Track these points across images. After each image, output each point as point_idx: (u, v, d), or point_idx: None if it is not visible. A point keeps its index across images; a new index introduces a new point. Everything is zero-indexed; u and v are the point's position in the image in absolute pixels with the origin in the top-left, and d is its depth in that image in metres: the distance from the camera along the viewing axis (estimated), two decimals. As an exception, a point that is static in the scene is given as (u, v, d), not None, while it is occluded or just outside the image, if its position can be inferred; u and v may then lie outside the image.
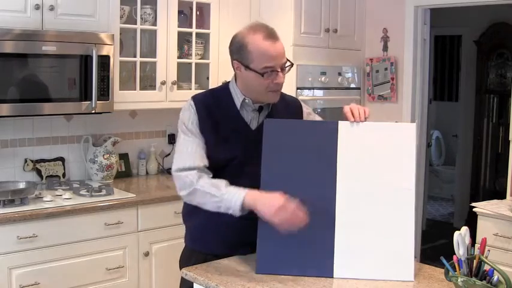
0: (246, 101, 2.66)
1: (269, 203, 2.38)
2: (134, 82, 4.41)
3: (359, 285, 2.37)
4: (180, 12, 4.64)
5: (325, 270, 2.45)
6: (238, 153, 2.62)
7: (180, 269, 2.69)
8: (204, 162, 2.59)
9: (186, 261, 2.75)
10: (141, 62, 4.45)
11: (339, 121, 2.58)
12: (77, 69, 3.96)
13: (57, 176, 4.38)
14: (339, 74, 5.26)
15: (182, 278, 2.59)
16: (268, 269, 2.46)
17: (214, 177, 2.58)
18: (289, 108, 2.82)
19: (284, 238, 2.46)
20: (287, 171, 2.54)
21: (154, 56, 4.49)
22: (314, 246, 2.48)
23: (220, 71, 4.80)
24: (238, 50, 2.59)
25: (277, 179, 2.53)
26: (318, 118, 2.97)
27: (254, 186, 2.48)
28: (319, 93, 5.13)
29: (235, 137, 2.63)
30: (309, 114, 2.92)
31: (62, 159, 4.42)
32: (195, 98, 2.70)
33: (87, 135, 4.49)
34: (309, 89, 5.02)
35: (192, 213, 2.72)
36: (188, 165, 2.57)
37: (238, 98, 2.67)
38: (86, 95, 4.00)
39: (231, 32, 4.75)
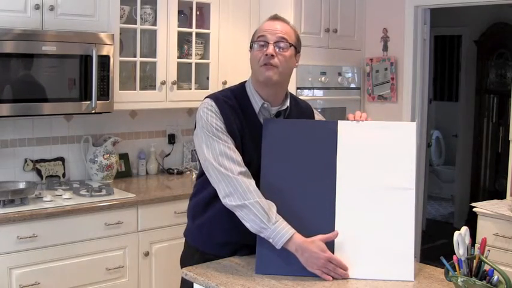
0: (265, 105, 2.63)
1: (311, 260, 2.39)
2: (134, 82, 4.41)
3: (359, 285, 2.37)
4: (180, 12, 4.64)
5: (325, 270, 2.45)
6: (255, 158, 2.59)
7: (182, 267, 2.69)
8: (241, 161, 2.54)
9: (187, 259, 2.75)
10: (141, 62, 4.45)
11: (339, 121, 2.58)
12: (76, 69, 3.96)
13: (57, 176, 4.38)
14: (339, 74, 5.27)
15: (182, 278, 2.59)
16: (268, 269, 2.46)
17: None
18: (303, 114, 2.81)
19: (284, 238, 2.48)
20: (287, 171, 2.54)
21: (154, 56, 4.49)
22: (314, 246, 2.48)
23: (220, 71, 4.80)
24: (253, 35, 2.68)
25: (277, 179, 2.54)
26: None
27: None
28: (319, 93, 5.13)
29: (251, 142, 2.60)
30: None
31: (62, 159, 4.42)
32: (216, 99, 2.61)
33: (87, 135, 4.49)
34: (309, 89, 5.03)
35: (201, 212, 2.71)
36: (242, 170, 2.51)
37: (256, 102, 2.64)
38: (85, 95, 4.00)
39: (231, 32, 4.83)
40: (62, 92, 3.94)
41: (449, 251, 2.29)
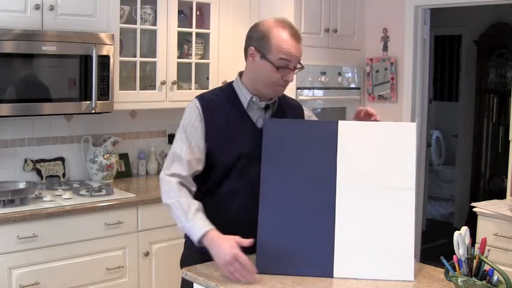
0: (254, 99, 2.68)
1: (218, 255, 2.39)
2: (134, 82, 4.41)
3: (359, 285, 2.37)
4: (180, 12, 4.64)
5: (325, 270, 2.45)
6: (247, 151, 2.63)
7: (181, 268, 2.70)
8: (193, 169, 2.61)
9: (187, 260, 2.75)
10: (141, 62, 4.45)
11: (339, 121, 2.58)
12: (76, 69, 3.96)
13: (57, 176, 4.38)
14: (339, 74, 5.27)
15: (183, 278, 2.59)
16: (268, 269, 2.46)
17: (223, 176, 2.64)
18: (293, 110, 2.86)
19: (284, 238, 2.48)
20: (287, 171, 2.55)
21: (154, 56, 4.49)
22: (314, 246, 2.47)
23: (220, 70, 4.79)
24: (259, 38, 2.63)
25: (277, 179, 2.54)
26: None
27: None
28: (319, 93, 5.13)
29: (242, 136, 2.64)
30: (310, 117, 2.94)
31: (61, 159, 4.42)
32: (200, 98, 2.70)
33: (87, 135, 4.49)
34: (309, 89, 5.03)
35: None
36: (173, 171, 2.59)
37: (245, 97, 2.69)
38: (85, 95, 4.00)
39: (231, 32, 4.83)
40: (62, 92, 3.94)
41: (449, 251, 2.29)
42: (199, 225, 2.46)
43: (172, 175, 2.58)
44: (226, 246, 2.38)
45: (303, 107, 2.95)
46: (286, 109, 2.80)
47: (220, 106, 2.68)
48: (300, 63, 2.64)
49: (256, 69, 2.65)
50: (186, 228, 2.50)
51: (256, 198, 2.54)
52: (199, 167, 2.64)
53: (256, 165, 2.60)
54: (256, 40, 2.64)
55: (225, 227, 2.58)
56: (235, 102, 2.69)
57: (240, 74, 2.76)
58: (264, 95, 2.69)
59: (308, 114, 2.93)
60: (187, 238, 2.83)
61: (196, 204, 2.52)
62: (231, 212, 2.65)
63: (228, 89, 2.76)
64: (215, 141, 2.64)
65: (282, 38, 2.58)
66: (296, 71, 2.65)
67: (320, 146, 2.56)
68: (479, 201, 4.50)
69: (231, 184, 2.67)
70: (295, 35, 2.61)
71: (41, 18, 3.82)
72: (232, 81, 2.78)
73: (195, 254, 2.71)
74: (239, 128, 2.65)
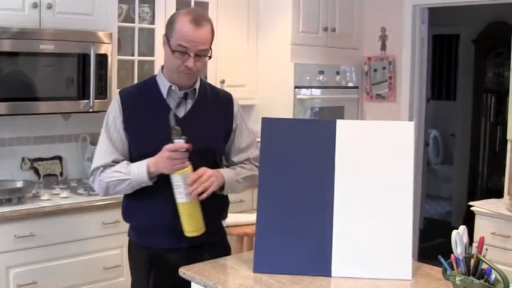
0: (173, 88, 2.67)
1: (159, 161, 2.51)
2: (132, 81, 4.40)
3: (357, 284, 2.37)
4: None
5: (323, 269, 2.45)
6: (164, 141, 2.55)
7: (130, 265, 2.82)
8: (113, 157, 2.66)
9: (132, 257, 2.82)
10: (139, 61, 4.45)
11: (337, 120, 2.58)
12: (74, 68, 3.96)
13: (54, 175, 4.37)
14: (337, 73, 5.27)
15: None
16: (266, 268, 2.46)
17: None
18: (220, 101, 2.82)
19: (282, 237, 2.48)
20: (285, 170, 2.55)
21: (153, 55, 4.48)
22: (312, 245, 2.48)
23: (219, 69, 4.79)
24: (167, 25, 2.66)
25: (275, 178, 2.54)
26: (245, 128, 2.87)
27: None
28: (317, 92, 5.13)
29: (163, 126, 2.57)
30: (237, 112, 2.83)
31: (59, 158, 4.42)
32: (121, 91, 2.77)
33: (84, 134, 4.47)
34: (307, 88, 5.03)
35: (134, 211, 2.73)
36: (97, 164, 2.67)
37: (164, 86, 2.69)
38: (83, 94, 4.00)
39: (229, 31, 4.82)
40: (60, 90, 3.93)
41: (447, 250, 2.28)
42: (137, 167, 2.57)
43: (96, 169, 2.66)
44: (160, 152, 2.50)
45: (235, 101, 2.86)
46: (210, 99, 2.77)
47: (139, 97, 2.71)
48: (205, 50, 2.61)
49: (165, 56, 2.68)
50: (133, 180, 2.58)
51: None
52: (123, 157, 2.67)
53: None
54: (166, 27, 2.67)
55: (149, 228, 2.65)
56: (155, 93, 2.69)
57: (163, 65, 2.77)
58: (178, 83, 2.67)
59: (236, 110, 2.83)
60: (131, 233, 2.82)
61: (121, 164, 2.63)
62: (154, 206, 2.65)
63: (151, 80, 2.78)
64: (134, 132, 2.65)
65: (181, 23, 2.58)
66: (203, 57, 2.62)
67: (318, 145, 2.56)
68: (476, 200, 4.51)
69: None
70: (196, 20, 2.58)
71: (38, 17, 3.81)
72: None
73: (142, 249, 2.72)
74: (158, 118, 2.61)
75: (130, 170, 2.59)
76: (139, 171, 2.56)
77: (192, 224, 2.56)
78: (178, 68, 2.61)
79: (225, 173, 2.67)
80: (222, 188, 2.64)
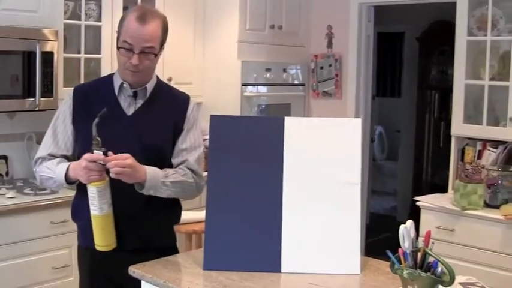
0: (124, 85, 2.67)
1: (76, 168, 2.52)
2: (78, 79, 4.35)
3: (306, 279, 2.40)
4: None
5: (273, 265, 2.47)
6: (110, 137, 2.52)
7: (79, 269, 2.80)
8: (50, 151, 2.69)
9: (79, 260, 2.82)
10: (85, 59, 4.40)
11: (285, 117, 2.61)
12: (19, 66, 3.90)
13: (0, 174, 4.30)
14: (284, 70, 5.31)
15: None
16: (216, 265, 2.47)
17: None
18: (174, 100, 2.78)
19: (231, 234, 2.50)
20: (234, 167, 2.56)
21: (99, 53, 4.44)
22: (261, 241, 2.50)
23: (165, 67, 4.76)
24: (119, 22, 2.65)
25: (223, 176, 2.55)
26: (193, 131, 2.79)
27: None
28: (263, 89, 5.16)
29: (110, 124, 2.55)
30: (190, 114, 2.77)
31: (4, 157, 4.34)
32: (75, 87, 2.80)
33: (30, 132, 4.41)
34: (253, 85, 5.05)
35: (81, 210, 2.69)
36: (37, 156, 2.72)
37: (117, 83, 2.69)
38: (29, 92, 3.94)
39: (177, 29, 4.79)
40: (5, 88, 3.87)
41: (393, 245, 2.33)
42: (61, 168, 2.58)
43: (36, 160, 2.72)
44: (80, 161, 2.49)
45: (191, 103, 2.79)
46: (164, 99, 2.74)
47: (91, 94, 2.72)
48: (151, 47, 2.59)
49: (116, 53, 2.67)
50: (56, 179, 2.60)
51: (129, 188, 2.53)
52: (65, 152, 2.69)
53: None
54: (118, 25, 2.66)
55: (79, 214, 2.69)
56: (108, 90, 2.69)
57: None
58: (127, 81, 2.66)
59: (189, 111, 2.76)
60: (79, 237, 2.81)
61: (55, 160, 2.65)
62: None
63: (108, 77, 2.79)
64: (81, 127, 2.64)
65: (128, 20, 2.58)
66: (148, 55, 2.59)
67: (266, 142, 2.57)
68: (421, 195, 4.59)
69: None
70: (141, 18, 2.56)
71: (-18, 14, 3.76)
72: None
73: (88, 251, 2.69)
74: (107, 117, 2.53)
75: (56, 169, 2.60)
76: (60, 173, 2.58)
77: (102, 239, 2.53)
78: (124, 65, 2.60)
79: (151, 171, 2.56)
80: (143, 186, 2.55)
